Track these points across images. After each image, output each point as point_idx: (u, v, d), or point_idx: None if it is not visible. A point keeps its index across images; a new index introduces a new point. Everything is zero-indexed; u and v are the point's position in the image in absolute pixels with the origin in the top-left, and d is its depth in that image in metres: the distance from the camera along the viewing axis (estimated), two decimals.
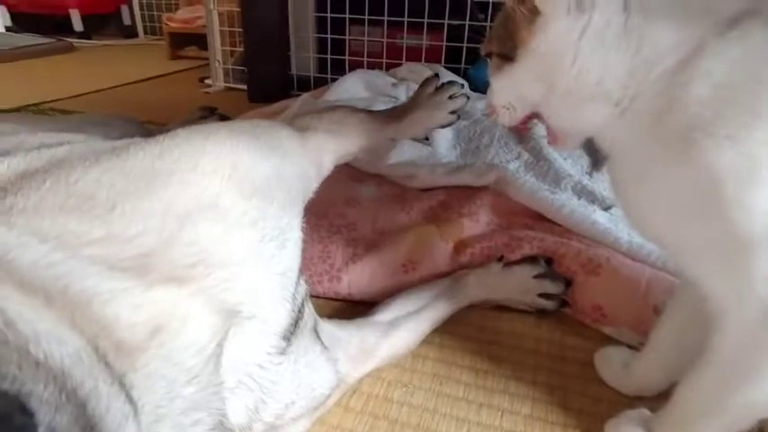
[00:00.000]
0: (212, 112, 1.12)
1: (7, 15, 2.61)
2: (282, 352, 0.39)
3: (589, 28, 0.38)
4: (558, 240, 0.68)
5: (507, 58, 0.43)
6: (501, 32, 0.44)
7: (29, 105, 1.47)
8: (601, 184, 0.82)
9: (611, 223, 0.70)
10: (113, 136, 0.48)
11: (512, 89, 0.45)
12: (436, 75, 0.79)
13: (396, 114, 0.71)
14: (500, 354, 0.58)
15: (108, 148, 0.36)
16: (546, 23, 0.40)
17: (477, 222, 0.75)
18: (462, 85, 0.80)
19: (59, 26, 2.63)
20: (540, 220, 0.74)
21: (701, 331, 0.39)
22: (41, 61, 2.21)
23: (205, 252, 0.34)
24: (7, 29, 2.60)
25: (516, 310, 0.65)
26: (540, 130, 1.02)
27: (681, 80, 0.35)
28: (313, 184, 0.51)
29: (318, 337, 0.46)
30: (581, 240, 0.68)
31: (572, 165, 0.91)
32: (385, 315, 0.58)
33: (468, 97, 0.82)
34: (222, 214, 0.36)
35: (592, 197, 0.77)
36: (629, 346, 0.55)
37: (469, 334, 0.61)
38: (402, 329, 0.56)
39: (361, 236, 0.72)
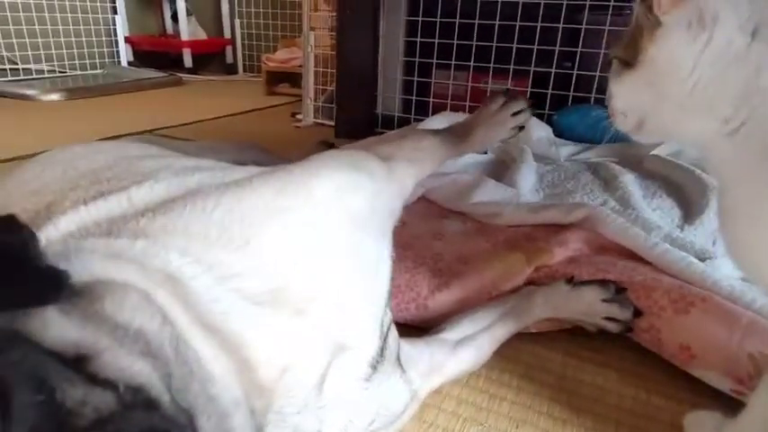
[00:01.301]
0: (330, 147, 1.20)
1: (130, 52, 2.97)
2: (368, 379, 0.40)
3: (711, 44, 0.38)
4: (649, 275, 0.65)
5: (628, 63, 0.44)
6: (627, 38, 0.45)
7: (145, 131, 1.65)
8: (695, 237, 0.79)
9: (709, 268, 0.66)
10: (226, 160, 0.51)
11: (626, 95, 0.46)
12: (505, 91, 0.78)
13: (461, 133, 0.73)
14: (580, 404, 0.57)
15: (234, 179, 0.39)
16: (667, 34, 0.40)
17: (566, 249, 0.74)
18: (527, 101, 0.78)
19: (172, 62, 2.95)
20: (631, 258, 0.72)
21: None
22: (156, 92, 2.48)
23: (319, 286, 0.36)
24: (129, 63, 2.95)
25: (600, 365, 0.63)
26: (628, 178, 0.99)
27: None
28: (399, 211, 0.53)
29: (400, 365, 0.48)
30: (674, 280, 0.65)
31: (661, 216, 0.88)
32: (453, 333, 0.59)
33: (531, 113, 0.79)
34: (330, 248, 0.38)
35: (684, 250, 0.74)
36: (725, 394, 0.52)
37: (549, 381, 0.60)
38: (469, 347, 0.57)
39: (446, 266, 0.73)
